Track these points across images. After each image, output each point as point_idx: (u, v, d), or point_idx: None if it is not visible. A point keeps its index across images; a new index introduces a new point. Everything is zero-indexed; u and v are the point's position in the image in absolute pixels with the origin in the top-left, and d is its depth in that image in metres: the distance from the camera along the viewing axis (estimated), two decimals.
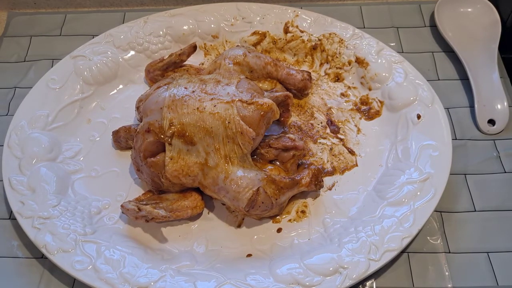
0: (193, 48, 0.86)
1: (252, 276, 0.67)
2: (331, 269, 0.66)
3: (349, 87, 0.88)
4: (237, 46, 0.88)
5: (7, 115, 0.87)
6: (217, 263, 0.70)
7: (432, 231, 0.73)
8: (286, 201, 0.74)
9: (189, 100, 0.71)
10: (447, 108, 0.84)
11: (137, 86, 0.89)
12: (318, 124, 0.84)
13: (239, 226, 0.74)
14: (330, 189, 0.77)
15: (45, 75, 0.85)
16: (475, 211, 0.75)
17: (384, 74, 0.85)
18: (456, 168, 0.78)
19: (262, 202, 0.69)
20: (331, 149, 0.81)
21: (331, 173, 0.79)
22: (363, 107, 0.85)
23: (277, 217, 0.75)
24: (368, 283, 0.69)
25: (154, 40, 0.91)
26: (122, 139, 0.79)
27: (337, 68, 0.89)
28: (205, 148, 0.70)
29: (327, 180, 0.78)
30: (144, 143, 0.71)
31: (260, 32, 0.92)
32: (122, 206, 0.70)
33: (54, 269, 0.71)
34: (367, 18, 0.98)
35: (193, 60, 0.89)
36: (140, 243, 0.72)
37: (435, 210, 0.73)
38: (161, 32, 0.91)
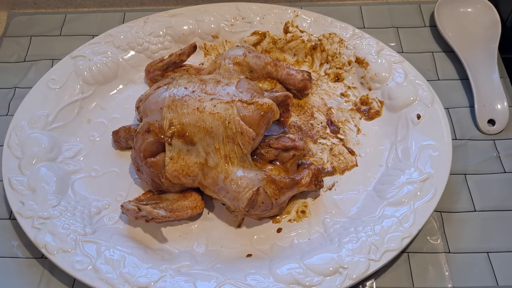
0: (193, 48, 0.86)
1: (252, 276, 0.67)
2: (331, 269, 0.66)
3: (349, 87, 0.88)
4: (237, 46, 0.88)
5: (7, 115, 0.87)
6: (217, 263, 0.70)
7: (432, 231, 0.73)
8: (286, 201, 0.74)
9: (189, 100, 0.71)
10: (447, 108, 0.84)
11: (137, 86, 0.89)
12: (318, 124, 0.84)
13: (239, 226, 0.74)
14: (330, 189, 0.77)
15: (45, 75, 0.85)
16: (475, 211, 0.75)
17: (384, 74, 0.85)
18: (456, 168, 0.78)
19: (262, 202, 0.69)
20: (331, 149, 0.81)
21: (331, 173, 0.79)
22: (363, 107, 0.85)
23: (277, 217, 0.75)
24: (368, 283, 0.69)
25: (154, 40, 0.91)
26: (122, 139, 0.79)
27: (337, 68, 0.89)
28: (205, 148, 0.70)
29: (327, 180, 0.78)
30: (144, 143, 0.71)
31: (260, 32, 0.92)
32: (122, 206, 0.70)
33: (54, 269, 0.71)
34: (367, 18, 0.98)
35: (193, 60, 0.89)
36: (140, 243, 0.72)
37: (435, 210, 0.73)
38: (161, 32, 0.91)
